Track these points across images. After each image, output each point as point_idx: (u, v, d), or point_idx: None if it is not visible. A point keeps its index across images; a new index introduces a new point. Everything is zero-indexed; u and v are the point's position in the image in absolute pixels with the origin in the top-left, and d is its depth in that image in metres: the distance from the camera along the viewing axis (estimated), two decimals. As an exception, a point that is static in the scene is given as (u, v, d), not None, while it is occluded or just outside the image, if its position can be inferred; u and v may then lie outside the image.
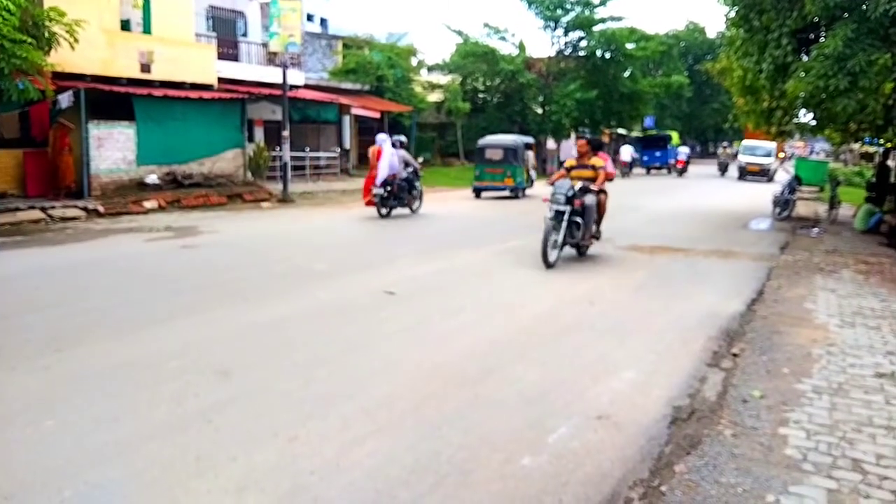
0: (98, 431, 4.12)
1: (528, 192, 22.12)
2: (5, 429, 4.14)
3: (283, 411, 4.48)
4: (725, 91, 24.04)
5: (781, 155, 47.05)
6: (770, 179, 33.70)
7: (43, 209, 13.88)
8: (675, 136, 44.26)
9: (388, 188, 14.90)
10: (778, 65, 12.98)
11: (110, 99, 16.49)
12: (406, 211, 15.77)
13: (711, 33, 56.28)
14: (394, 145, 15.23)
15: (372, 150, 15.53)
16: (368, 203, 15.20)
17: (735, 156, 41.86)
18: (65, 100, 15.04)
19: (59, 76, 14.55)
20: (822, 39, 12.45)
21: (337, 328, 6.52)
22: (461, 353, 5.80)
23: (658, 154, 41.76)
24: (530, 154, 23.02)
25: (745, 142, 37.07)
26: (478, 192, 21.54)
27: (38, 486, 3.47)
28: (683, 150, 40.98)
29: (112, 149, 16.56)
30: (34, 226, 13.22)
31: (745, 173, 35.39)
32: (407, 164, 15.52)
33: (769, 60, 13.06)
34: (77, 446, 3.92)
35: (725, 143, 58.81)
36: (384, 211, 15.05)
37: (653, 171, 41.74)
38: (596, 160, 10.24)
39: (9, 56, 11.78)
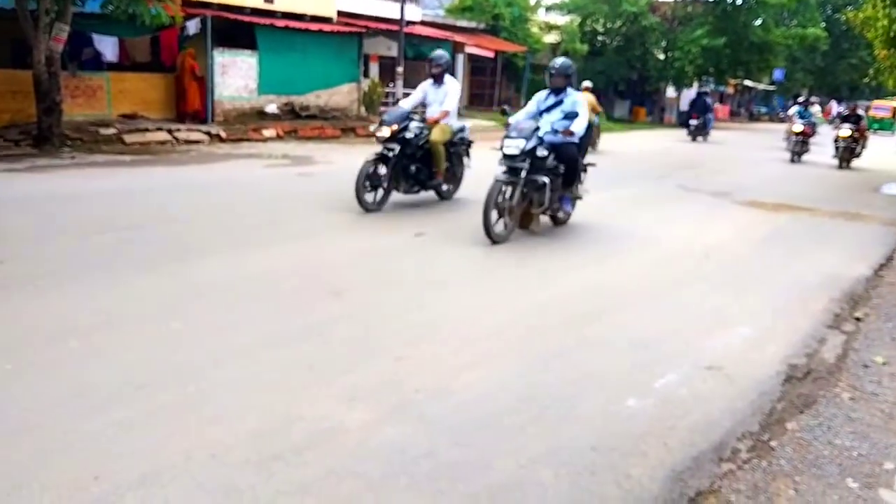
0: (219, 336, 4.36)
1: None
2: (141, 326, 4.46)
3: (393, 333, 4.60)
4: (866, 46, 21.75)
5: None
6: None
7: (169, 131, 14.58)
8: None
9: None
10: (934, 14, 11.85)
11: (234, 28, 16.95)
12: None
13: (856, -20, 51.75)
14: None
15: None
16: None
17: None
18: (192, 26, 15.59)
19: (187, 3, 15.06)
20: None
21: (445, 260, 6.60)
22: (568, 295, 5.75)
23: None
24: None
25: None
26: None
27: (165, 380, 3.72)
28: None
29: (235, 76, 17.12)
30: (161, 146, 13.93)
31: None
32: None
33: (924, 9, 11.95)
34: (200, 348, 4.18)
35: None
36: None
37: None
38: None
39: (142, -19, 12.27)
